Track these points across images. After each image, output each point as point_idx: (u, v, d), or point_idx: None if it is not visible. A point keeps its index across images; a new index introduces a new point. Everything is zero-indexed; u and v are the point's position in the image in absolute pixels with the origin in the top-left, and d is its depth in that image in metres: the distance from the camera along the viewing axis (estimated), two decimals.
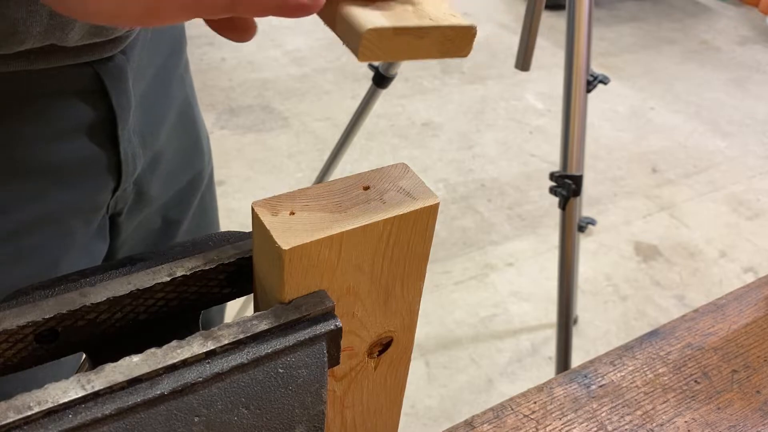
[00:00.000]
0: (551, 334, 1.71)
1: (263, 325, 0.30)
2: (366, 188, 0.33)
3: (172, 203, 0.70)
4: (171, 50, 0.65)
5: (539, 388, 0.54)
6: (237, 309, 1.55)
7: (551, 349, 1.66)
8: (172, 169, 0.69)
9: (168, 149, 0.67)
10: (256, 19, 0.33)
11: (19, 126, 0.51)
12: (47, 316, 0.30)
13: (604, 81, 1.19)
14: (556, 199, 1.21)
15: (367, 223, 0.31)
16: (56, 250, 0.59)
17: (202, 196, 0.76)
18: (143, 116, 0.61)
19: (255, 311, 0.33)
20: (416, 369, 1.60)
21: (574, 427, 0.51)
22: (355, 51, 0.30)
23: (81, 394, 0.27)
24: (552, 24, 2.74)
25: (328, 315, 0.32)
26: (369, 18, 0.30)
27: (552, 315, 1.72)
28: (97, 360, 0.33)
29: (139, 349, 0.29)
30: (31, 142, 0.53)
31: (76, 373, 0.28)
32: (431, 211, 0.33)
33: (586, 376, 0.54)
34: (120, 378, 0.28)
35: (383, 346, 0.38)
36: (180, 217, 0.73)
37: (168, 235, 0.72)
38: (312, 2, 0.30)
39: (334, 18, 0.31)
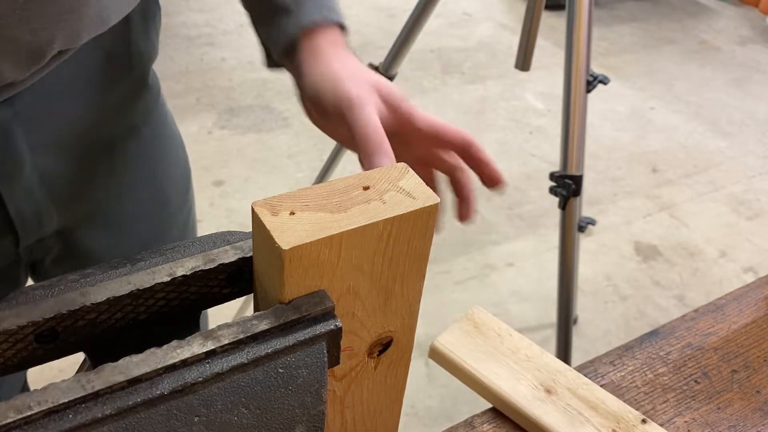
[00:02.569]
0: (551, 334, 1.70)
1: (263, 325, 0.30)
2: (366, 188, 0.33)
3: (139, 248, 0.64)
4: (105, 92, 0.57)
5: None
6: (237, 309, 1.55)
7: (551, 349, 1.66)
8: (125, 223, 0.64)
9: (116, 204, 0.62)
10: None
11: None
12: (47, 316, 0.30)
13: (604, 81, 1.19)
14: (556, 199, 1.21)
15: (367, 223, 0.31)
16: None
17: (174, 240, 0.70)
18: (66, 169, 0.56)
19: (255, 311, 0.33)
20: (416, 369, 1.60)
21: None
22: None
23: (81, 394, 0.27)
24: (552, 24, 2.74)
25: (328, 315, 0.32)
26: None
27: (552, 315, 1.72)
28: (97, 360, 0.33)
29: (139, 349, 0.29)
30: None
31: (76, 373, 0.28)
32: (431, 211, 0.33)
33: (586, 376, 0.54)
34: (120, 378, 0.28)
35: (383, 346, 0.38)
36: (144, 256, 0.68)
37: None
38: None
39: None
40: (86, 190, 0.59)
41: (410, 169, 0.34)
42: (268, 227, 0.30)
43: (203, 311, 0.36)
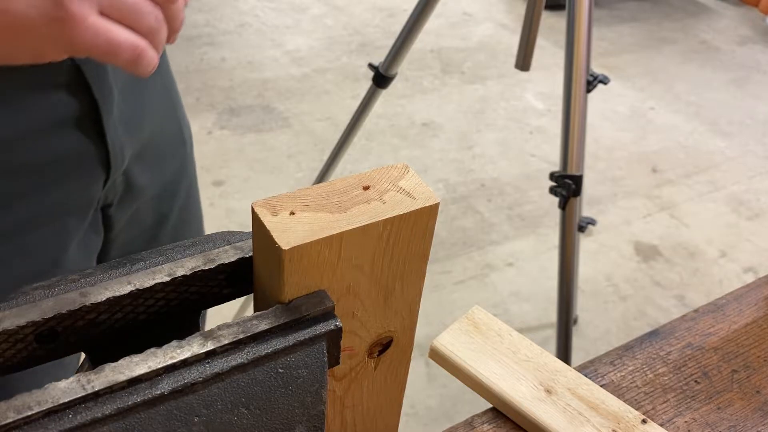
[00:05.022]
0: (551, 334, 1.70)
1: (263, 325, 0.30)
2: (366, 188, 0.33)
3: (161, 194, 0.70)
4: None
5: None
6: (237, 309, 1.55)
7: (551, 349, 1.66)
8: (159, 157, 0.68)
9: (153, 138, 0.66)
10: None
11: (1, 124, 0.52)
12: (47, 316, 0.30)
13: (604, 81, 1.19)
14: (556, 199, 1.21)
15: (367, 223, 0.31)
16: (54, 247, 0.59)
17: (187, 188, 0.76)
18: (126, 106, 0.60)
19: (255, 311, 0.33)
20: (416, 369, 1.60)
21: None
22: None
23: (81, 394, 0.27)
24: (552, 24, 2.74)
25: (328, 315, 0.32)
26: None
27: (552, 315, 1.72)
28: (97, 360, 0.33)
29: (139, 349, 0.29)
30: (16, 140, 0.53)
31: (76, 373, 0.28)
32: (431, 211, 0.33)
33: (586, 376, 0.54)
34: (120, 378, 0.28)
35: (383, 346, 0.38)
36: (169, 209, 0.73)
37: (159, 229, 0.72)
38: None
39: None
40: (142, 123, 0.64)
41: (410, 169, 0.34)
42: (268, 227, 0.30)
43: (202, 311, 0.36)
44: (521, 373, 0.51)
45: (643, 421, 0.49)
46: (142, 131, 0.64)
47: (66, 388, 0.27)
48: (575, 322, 1.76)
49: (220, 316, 1.54)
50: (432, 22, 1.51)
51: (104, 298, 0.31)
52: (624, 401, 0.51)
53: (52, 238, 0.58)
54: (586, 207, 2.13)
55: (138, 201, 0.67)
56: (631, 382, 0.55)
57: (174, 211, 0.73)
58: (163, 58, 0.69)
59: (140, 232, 0.71)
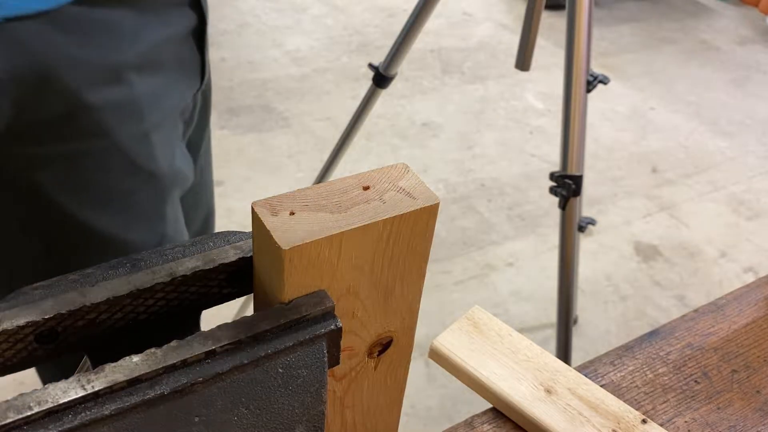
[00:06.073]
0: (551, 334, 1.70)
1: (263, 325, 0.30)
2: (366, 188, 0.33)
3: (193, 141, 0.80)
4: None
5: None
6: (237, 309, 1.55)
7: (551, 349, 1.66)
8: (205, 96, 0.80)
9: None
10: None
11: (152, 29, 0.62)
12: (47, 316, 0.30)
13: (604, 81, 1.19)
14: (556, 199, 1.21)
15: (367, 223, 0.31)
16: (174, 143, 0.68)
17: (207, 146, 0.86)
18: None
19: (255, 311, 0.33)
20: (416, 369, 1.60)
21: None
22: None
23: (81, 394, 0.27)
24: (552, 24, 2.74)
25: (328, 315, 0.32)
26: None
27: (552, 315, 1.72)
28: (97, 360, 0.33)
29: (139, 349, 0.29)
30: (164, 44, 0.64)
31: (76, 373, 0.28)
32: (431, 211, 0.33)
33: (586, 376, 0.54)
34: (120, 378, 0.28)
35: (383, 346, 0.38)
36: (198, 140, 0.82)
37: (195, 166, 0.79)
38: None
39: None
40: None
41: (410, 169, 0.34)
42: (268, 227, 0.30)
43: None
44: (521, 373, 0.51)
45: (643, 421, 0.49)
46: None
47: (66, 388, 0.27)
48: (575, 322, 1.76)
49: (220, 316, 1.54)
50: (432, 22, 1.51)
51: (104, 298, 0.31)
52: (624, 401, 0.51)
53: (174, 133, 0.68)
54: (586, 207, 2.13)
55: (188, 132, 0.76)
56: (631, 382, 0.55)
57: (197, 165, 0.80)
58: None
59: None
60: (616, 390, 0.54)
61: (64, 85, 0.56)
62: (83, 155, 0.61)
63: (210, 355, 0.29)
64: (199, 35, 0.69)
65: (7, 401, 0.26)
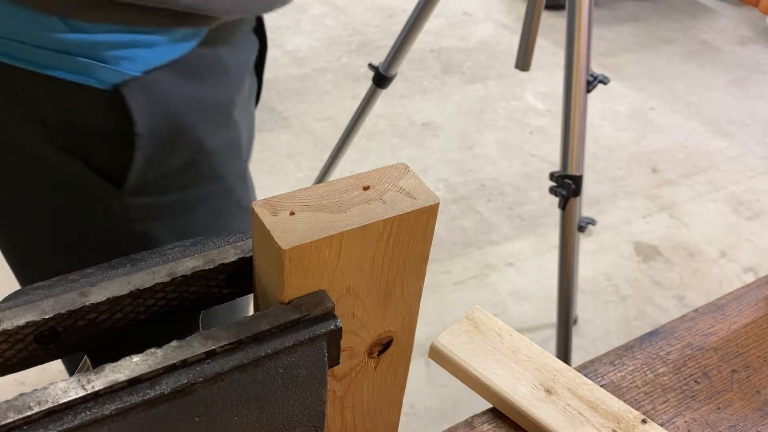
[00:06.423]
0: (551, 334, 1.70)
1: (263, 325, 0.30)
2: (366, 188, 0.33)
3: None
4: None
5: None
6: None
7: (551, 349, 1.66)
8: None
9: None
10: None
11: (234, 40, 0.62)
12: (47, 316, 0.30)
13: (604, 81, 1.19)
14: (556, 199, 1.21)
15: (367, 223, 0.31)
16: (249, 122, 0.68)
17: None
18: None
19: (255, 311, 0.33)
20: (416, 369, 1.60)
21: None
22: None
23: (81, 394, 0.27)
24: (552, 24, 2.74)
25: (328, 315, 0.32)
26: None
27: (552, 315, 1.72)
28: (97, 360, 0.33)
29: (139, 349, 0.29)
30: (240, 72, 0.63)
31: (76, 373, 0.28)
32: (431, 211, 0.33)
33: (586, 376, 0.54)
34: (120, 378, 0.28)
35: (383, 346, 0.38)
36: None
37: None
38: None
39: None
40: None
41: (410, 169, 0.34)
42: (268, 227, 0.30)
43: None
44: (521, 373, 0.51)
45: (643, 421, 0.49)
46: None
47: (66, 388, 0.27)
48: (575, 322, 1.76)
49: None
50: (432, 22, 1.51)
51: (104, 298, 0.31)
52: (624, 401, 0.51)
53: (249, 112, 0.68)
54: (586, 207, 2.13)
55: None
56: (631, 382, 0.55)
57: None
58: None
59: None
60: (616, 390, 0.54)
61: (192, 134, 0.56)
62: (200, 201, 0.59)
63: (210, 355, 0.29)
64: (259, 59, 0.68)
65: (7, 401, 0.26)
